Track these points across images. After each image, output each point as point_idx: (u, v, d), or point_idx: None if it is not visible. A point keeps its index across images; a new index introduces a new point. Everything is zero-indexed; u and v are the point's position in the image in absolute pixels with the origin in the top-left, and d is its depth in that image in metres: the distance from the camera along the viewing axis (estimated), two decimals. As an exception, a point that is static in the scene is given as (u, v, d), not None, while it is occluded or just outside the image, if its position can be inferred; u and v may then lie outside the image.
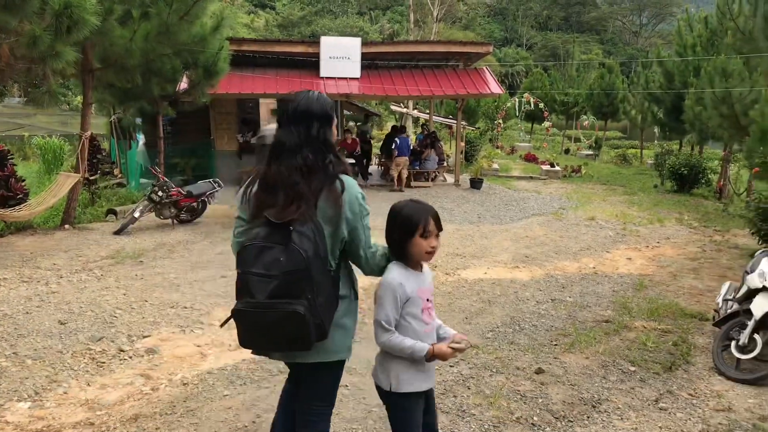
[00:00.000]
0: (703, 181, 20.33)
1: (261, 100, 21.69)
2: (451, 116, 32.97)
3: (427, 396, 3.03)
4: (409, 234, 2.88)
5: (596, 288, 8.92)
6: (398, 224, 2.91)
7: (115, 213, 13.14)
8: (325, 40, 17.59)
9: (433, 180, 18.95)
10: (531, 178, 22.88)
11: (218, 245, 10.80)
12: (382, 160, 19.55)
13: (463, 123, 28.36)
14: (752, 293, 5.86)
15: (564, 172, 23.81)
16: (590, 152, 32.53)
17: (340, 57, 17.02)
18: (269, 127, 12.80)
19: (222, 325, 2.93)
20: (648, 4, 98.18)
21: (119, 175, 16.25)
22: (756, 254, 6.69)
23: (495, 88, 17.69)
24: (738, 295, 6.14)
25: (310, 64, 17.32)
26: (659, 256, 11.35)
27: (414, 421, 2.90)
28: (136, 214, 11.85)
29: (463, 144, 25.32)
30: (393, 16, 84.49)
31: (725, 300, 6.47)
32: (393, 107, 31.77)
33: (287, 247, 2.57)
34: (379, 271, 2.95)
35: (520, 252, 11.18)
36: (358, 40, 17.73)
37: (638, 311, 7.62)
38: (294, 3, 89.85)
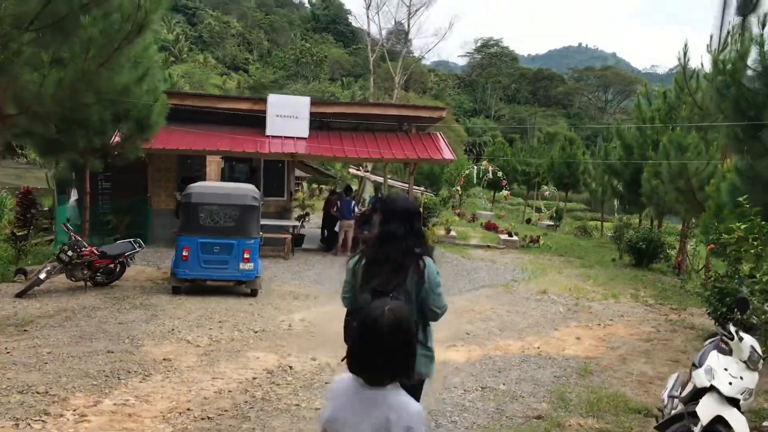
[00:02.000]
0: (661, 256, 19.78)
1: (209, 158, 20.89)
2: (416, 183, 32.60)
3: None
4: None
5: (536, 373, 8.00)
6: None
7: (24, 273, 11.96)
8: (272, 98, 16.96)
9: (382, 246, 18.08)
10: (488, 247, 22.17)
11: (127, 313, 9.71)
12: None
13: (422, 188, 27.83)
14: (699, 393, 4.99)
15: (522, 242, 23.18)
16: (551, 223, 32.12)
17: (288, 116, 16.37)
18: (197, 185, 11.90)
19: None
20: (613, 81, 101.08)
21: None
22: (705, 343, 5.86)
23: (447, 153, 17.11)
24: (683, 394, 5.27)
25: (257, 121, 16.61)
26: (610, 335, 10.52)
27: None
28: (42, 276, 10.71)
29: (420, 210, 24.69)
30: (364, 83, 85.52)
31: (671, 397, 5.59)
32: (351, 170, 31.22)
33: None
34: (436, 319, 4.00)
35: (461, 328, 10.27)
36: (307, 100, 17.16)
37: (577, 404, 6.69)
38: (267, 67, 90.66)
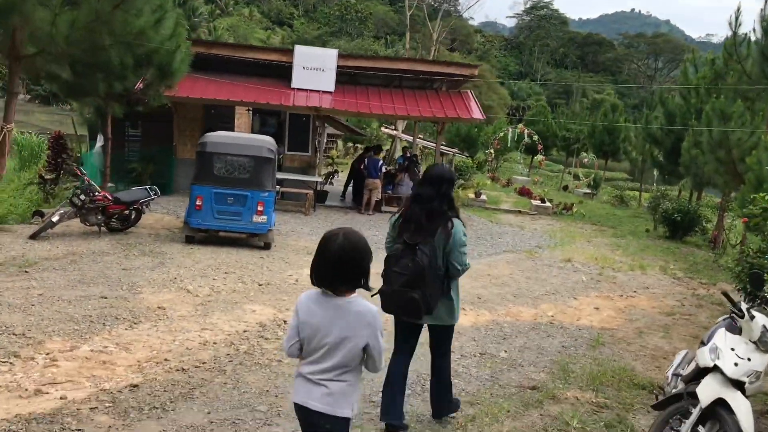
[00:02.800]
0: (697, 229, 19.01)
1: (238, 110, 20.69)
2: (452, 144, 31.93)
3: None
4: None
5: (543, 342, 7.66)
6: None
7: (41, 215, 11.98)
8: (299, 50, 16.56)
9: (406, 206, 17.73)
10: (519, 212, 21.64)
11: (134, 259, 9.62)
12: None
13: (454, 150, 27.28)
14: (701, 372, 4.59)
15: (555, 209, 22.56)
16: (588, 191, 31.24)
17: (314, 68, 15.97)
18: (213, 134, 11.67)
19: (372, 295, 3.41)
20: (665, 49, 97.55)
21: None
22: (719, 320, 5.43)
23: (477, 113, 16.55)
24: (685, 373, 4.87)
25: (284, 73, 16.27)
26: (631, 307, 10.08)
27: None
28: (54, 218, 10.69)
29: (451, 172, 24.20)
30: (412, 43, 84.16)
31: (675, 375, 5.20)
32: (384, 129, 30.73)
33: (413, 258, 4.21)
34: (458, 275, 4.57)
35: (473, 292, 9.93)
36: (334, 52, 16.72)
37: (578, 376, 6.34)
38: (312, 22, 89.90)
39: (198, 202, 11.02)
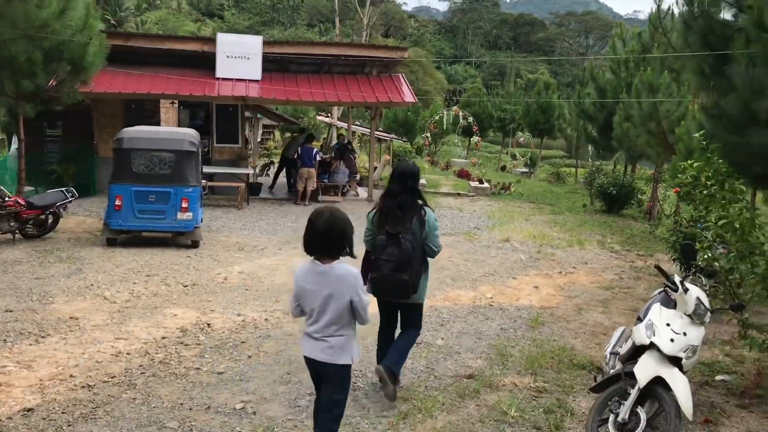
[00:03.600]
0: (633, 201, 19.27)
1: (164, 104, 19.89)
2: (390, 130, 31.63)
3: None
4: None
5: (482, 325, 7.44)
6: None
7: (-52, 225, 11.15)
8: (221, 37, 15.94)
9: (343, 194, 17.36)
10: (459, 194, 21.52)
11: (49, 267, 8.98)
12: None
13: (390, 136, 27.02)
14: (638, 350, 4.41)
15: (493, 189, 22.55)
16: (525, 169, 31.45)
17: (239, 56, 15.36)
18: (129, 129, 11.04)
19: (366, 283, 4.59)
20: (594, 26, 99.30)
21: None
22: (654, 294, 5.28)
23: (408, 96, 16.27)
24: (623, 351, 4.68)
25: (208, 63, 15.61)
26: (570, 283, 10.00)
27: None
28: (-40, 228, 9.94)
29: (388, 157, 23.93)
30: (344, 29, 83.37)
31: (613, 353, 5.02)
32: (319, 117, 30.20)
33: (399, 245, 4.77)
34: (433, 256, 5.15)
35: (411, 278, 9.66)
36: (259, 39, 16.14)
37: (516, 360, 6.13)
38: (243, 13, 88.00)
39: (117, 202, 10.39)
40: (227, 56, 15.33)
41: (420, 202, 5.00)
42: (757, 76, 8.13)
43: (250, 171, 16.43)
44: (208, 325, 6.70)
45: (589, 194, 20.85)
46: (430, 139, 27.33)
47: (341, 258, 3.54)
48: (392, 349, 5.10)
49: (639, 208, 19.49)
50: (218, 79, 15.35)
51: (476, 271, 10.46)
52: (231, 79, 15.40)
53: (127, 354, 5.71)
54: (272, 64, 16.50)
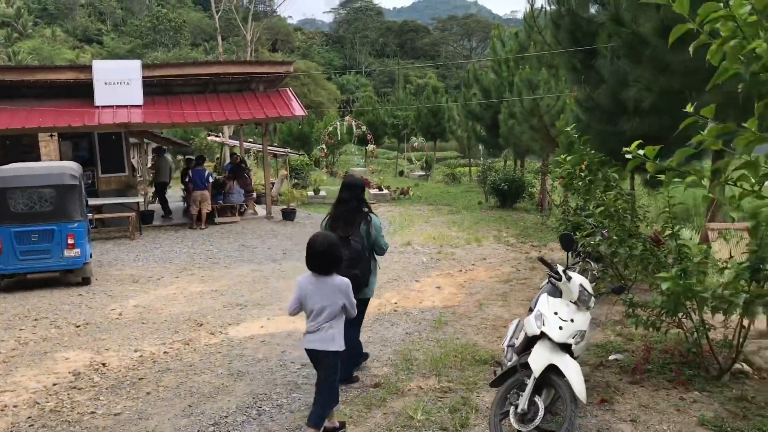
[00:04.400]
0: (524, 195, 20.01)
1: (41, 137, 18.90)
2: (286, 144, 31.36)
3: None
4: None
5: (387, 332, 7.50)
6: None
7: None
8: (97, 65, 15.34)
9: (241, 214, 17.07)
10: (359, 203, 21.65)
11: None
12: (183, 196, 17.44)
13: (286, 150, 26.85)
14: (532, 341, 4.57)
15: (392, 195, 22.85)
16: (422, 173, 32.03)
17: (118, 82, 14.82)
18: (2, 168, 10.42)
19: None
20: (476, 28, 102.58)
21: None
22: (542, 284, 5.49)
23: (297, 110, 16.21)
24: (517, 344, 4.84)
25: (85, 91, 14.96)
26: (470, 281, 10.25)
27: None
28: None
29: (285, 172, 23.75)
30: (229, 46, 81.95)
31: (509, 346, 5.17)
32: (210, 137, 29.58)
33: (349, 246, 5.36)
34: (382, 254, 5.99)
35: (315, 293, 9.61)
36: (137, 63, 15.63)
37: (421, 363, 6.21)
38: (123, 37, 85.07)
39: (-3, 246, 9.78)
40: (105, 83, 14.74)
41: (365, 209, 5.76)
42: (621, 68, 8.67)
43: (140, 199, 15.85)
44: (103, 365, 6.40)
45: (483, 192, 21.48)
46: (326, 150, 27.37)
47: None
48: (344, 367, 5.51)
49: (531, 201, 20.24)
50: (98, 107, 14.74)
51: (380, 279, 10.46)
52: (111, 106, 14.83)
53: (14, 407, 5.35)
54: (155, 88, 16.02)
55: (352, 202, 5.68)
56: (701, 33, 2.23)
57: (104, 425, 4.89)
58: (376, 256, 5.96)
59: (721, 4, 2.13)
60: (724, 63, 2.17)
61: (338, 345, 4.53)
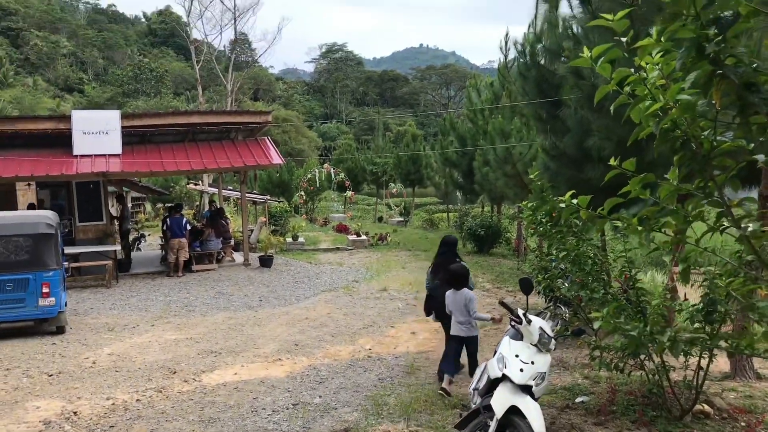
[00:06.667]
0: (501, 240, 20.26)
1: (19, 186, 18.96)
2: (266, 191, 31.59)
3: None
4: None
5: (360, 378, 7.58)
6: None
7: None
8: (76, 115, 15.50)
9: (219, 261, 17.11)
10: (338, 249, 21.78)
11: None
12: (161, 244, 17.48)
13: (266, 197, 27.01)
14: (494, 383, 4.70)
15: (371, 241, 23.00)
16: (401, 219, 32.31)
17: (97, 132, 14.98)
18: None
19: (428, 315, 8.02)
20: (454, 78, 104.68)
21: None
22: (507, 328, 5.64)
23: (275, 158, 16.45)
24: (480, 386, 4.97)
25: (63, 141, 15.10)
26: (445, 327, 10.34)
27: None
28: None
29: (264, 218, 23.86)
30: (210, 95, 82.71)
31: (475, 389, 5.30)
32: (189, 185, 29.73)
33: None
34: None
35: (291, 339, 9.69)
36: (116, 113, 15.84)
37: (392, 408, 6.30)
38: (104, 86, 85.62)
39: (-30, 295, 9.75)
40: (84, 132, 14.89)
41: (458, 259, 7.69)
42: (584, 117, 9.01)
43: (117, 247, 15.86)
44: (75, 413, 6.41)
45: (461, 237, 21.70)
46: (305, 197, 27.58)
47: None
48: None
49: (508, 246, 20.50)
50: (76, 156, 14.86)
51: (355, 324, 10.62)
52: (90, 156, 14.95)
53: (-17, 457, 5.36)
54: (134, 137, 16.19)
55: (449, 254, 7.77)
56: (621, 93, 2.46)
57: (73, 473, 4.92)
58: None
59: (632, 70, 2.37)
60: (641, 121, 2.40)
61: (475, 331, 7.04)
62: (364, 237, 23.11)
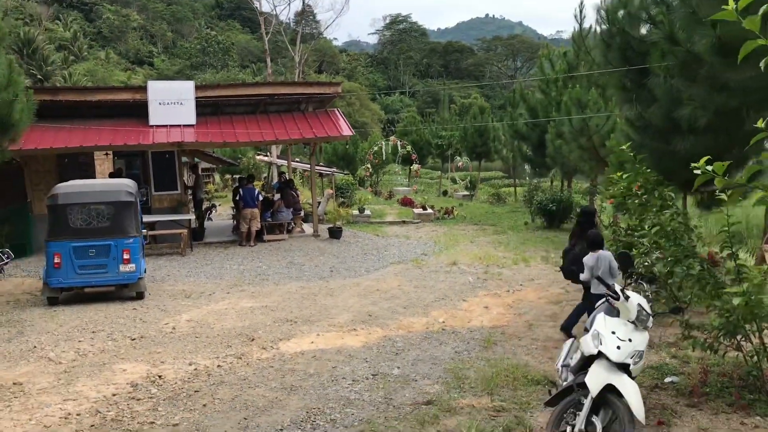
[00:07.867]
0: (572, 215, 19.75)
1: (98, 156, 19.53)
2: (331, 164, 31.77)
3: None
4: None
5: (436, 351, 7.50)
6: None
7: None
8: (152, 85, 15.82)
9: (289, 232, 17.28)
10: (404, 222, 21.71)
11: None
12: (233, 214, 17.76)
13: (332, 169, 27.11)
14: (588, 360, 4.53)
15: (437, 214, 22.83)
16: (467, 193, 31.94)
17: (172, 102, 15.24)
18: (63, 184, 10.81)
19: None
20: (521, 49, 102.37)
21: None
22: (598, 304, 5.44)
23: (345, 130, 16.41)
24: (573, 363, 4.80)
25: (140, 111, 15.44)
26: (519, 301, 10.18)
27: None
28: None
29: (331, 191, 23.97)
30: (277, 68, 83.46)
31: (564, 366, 5.13)
32: (258, 157, 30.09)
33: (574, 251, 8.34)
34: None
35: (364, 310, 9.69)
36: (191, 84, 16.08)
37: (473, 382, 6.20)
38: (173, 59, 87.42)
39: (56, 260, 10.11)
40: (160, 103, 15.19)
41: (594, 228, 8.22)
42: (675, 86, 8.57)
43: (192, 217, 16.20)
44: (160, 377, 6.56)
45: (530, 212, 21.29)
46: (371, 170, 27.54)
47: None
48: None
49: (579, 221, 19.96)
50: (152, 126, 15.17)
51: (427, 297, 10.54)
52: (165, 126, 15.25)
53: (78, 415, 5.53)
54: (207, 108, 16.42)
55: (586, 224, 8.33)
56: (772, 49, 2.23)
57: (163, 434, 5.02)
58: None
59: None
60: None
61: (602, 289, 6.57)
62: (430, 210, 22.97)
